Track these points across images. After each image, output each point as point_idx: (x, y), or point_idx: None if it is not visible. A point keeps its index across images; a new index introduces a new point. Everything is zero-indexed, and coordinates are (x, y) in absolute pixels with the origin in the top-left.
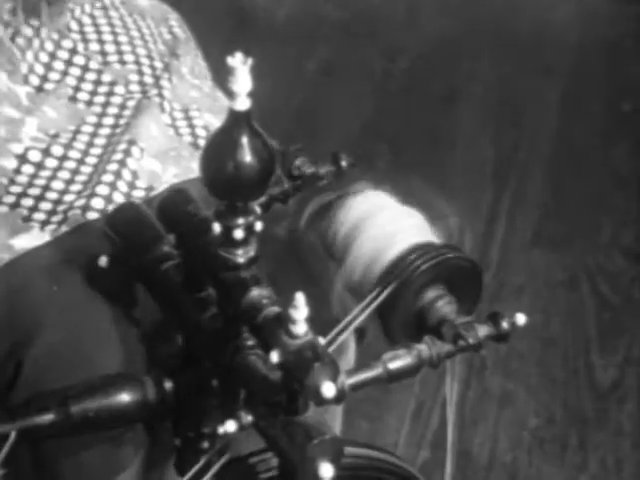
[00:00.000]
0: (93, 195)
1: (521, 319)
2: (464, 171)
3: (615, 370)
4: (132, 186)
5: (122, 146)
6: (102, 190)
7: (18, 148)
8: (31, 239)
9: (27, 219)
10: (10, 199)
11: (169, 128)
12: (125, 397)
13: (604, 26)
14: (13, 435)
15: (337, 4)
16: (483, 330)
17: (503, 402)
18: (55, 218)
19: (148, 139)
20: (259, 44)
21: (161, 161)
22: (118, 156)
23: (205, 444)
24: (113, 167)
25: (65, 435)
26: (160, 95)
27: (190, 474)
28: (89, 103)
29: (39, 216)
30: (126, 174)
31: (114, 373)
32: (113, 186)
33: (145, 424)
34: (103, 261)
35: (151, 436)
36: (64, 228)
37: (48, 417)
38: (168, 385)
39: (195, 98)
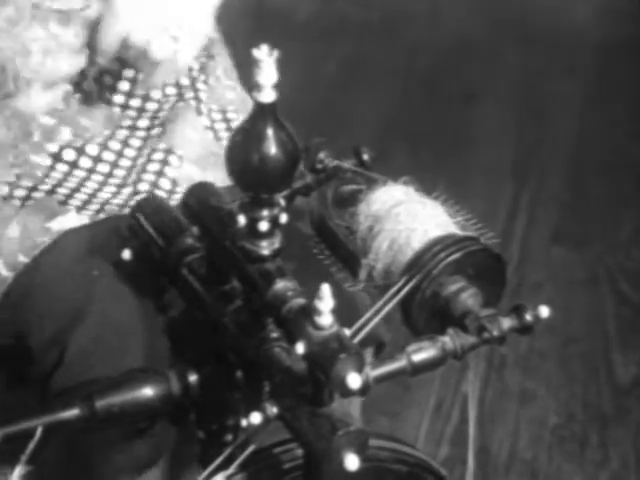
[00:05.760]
0: (130, 200)
1: (544, 311)
2: (485, 169)
3: (635, 368)
4: (172, 192)
5: (159, 155)
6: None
7: (53, 147)
8: (68, 221)
9: (64, 203)
10: (46, 187)
11: (208, 131)
12: (149, 391)
13: (626, 24)
14: (39, 431)
15: (358, 2)
16: (507, 322)
17: (523, 400)
18: (91, 207)
19: (186, 145)
20: (280, 43)
21: (201, 167)
22: (155, 167)
23: (229, 436)
24: (150, 177)
25: (91, 430)
26: (197, 98)
27: (213, 465)
28: (125, 107)
29: (75, 202)
30: (164, 183)
31: (138, 367)
32: None
33: (171, 419)
34: (127, 254)
35: (178, 431)
36: (101, 215)
37: (73, 412)
38: (192, 378)
39: (231, 99)
